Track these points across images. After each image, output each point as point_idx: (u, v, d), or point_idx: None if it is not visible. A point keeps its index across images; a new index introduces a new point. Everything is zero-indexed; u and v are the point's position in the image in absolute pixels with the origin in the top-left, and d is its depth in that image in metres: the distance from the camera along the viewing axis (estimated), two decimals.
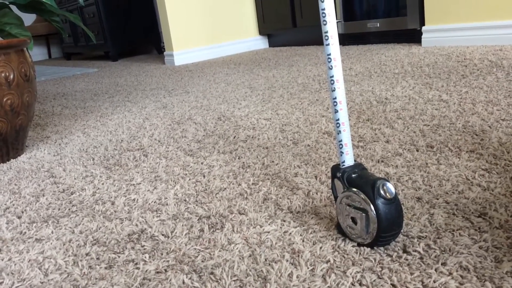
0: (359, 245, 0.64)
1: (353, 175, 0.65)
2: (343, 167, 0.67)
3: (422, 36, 2.43)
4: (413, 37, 2.61)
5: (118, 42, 4.40)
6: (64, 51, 5.68)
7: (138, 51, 4.98)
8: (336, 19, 2.91)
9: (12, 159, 1.35)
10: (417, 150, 0.97)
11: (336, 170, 0.67)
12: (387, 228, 0.61)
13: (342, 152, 0.67)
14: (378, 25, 2.72)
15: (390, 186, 0.61)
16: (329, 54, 0.64)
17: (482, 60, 1.82)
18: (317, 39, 3.31)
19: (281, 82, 2.01)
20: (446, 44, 2.32)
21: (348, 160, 0.67)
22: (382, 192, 0.60)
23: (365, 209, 0.61)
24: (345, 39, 2.98)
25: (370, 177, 0.63)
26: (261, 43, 3.71)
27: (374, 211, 0.60)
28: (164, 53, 3.45)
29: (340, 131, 0.66)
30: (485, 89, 1.38)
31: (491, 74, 1.55)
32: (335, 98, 0.65)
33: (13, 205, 0.99)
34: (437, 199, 0.75)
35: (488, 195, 0.74)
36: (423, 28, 2.41)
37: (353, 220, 0.64)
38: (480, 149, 0.93)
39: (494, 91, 1.34)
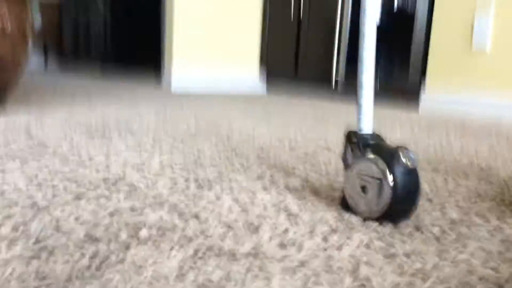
0: (365, 220, 0.57)
1: (370, 142, 0.59)
2: (361, 133, 0.60)
3: (421, 103, 2.45)
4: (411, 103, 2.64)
5: (117, 60, 4.39)
6: (61, 63, 5.64)
7: (137, 74, 4.97)
8: (337, 77, 2.95)
9: None
10: (423, 169, 0.92)
11: (352, 135, 0.61)
12: (402, 200, 0.54)
13: (361, 118, 0.61)
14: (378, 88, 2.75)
15: (412, 155, 0.55)
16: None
17: (482, 126, 1.82)
18: (317, 91, 3.33)
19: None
20: (444, 114, 2.34)
21: (367, 127, 0.61)
22: (403, 159, 0.54)
23: (380, 176, 0.55)
24: (344, 95, 3.00)
25: (390, 146, 0.57)
26: (259, 88, 3.72)
27: (391, 179, 0.54)
28: (162, 79, 3.43)
29: (362, 94, 0.60)
30: (486, 143, 1.35)
31: (491, 136, 1.54)
32: (362, 53, 0.60)
33: None
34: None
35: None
36: (423, 96, 2.44)
37: (364, 189, 0.57)
38: (487, 177, 0.88)
39: (496, 146, 1.32)
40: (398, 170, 0.54)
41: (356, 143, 0.60)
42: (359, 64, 0.60)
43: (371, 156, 0.57)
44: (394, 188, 0.54)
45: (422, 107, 2.44)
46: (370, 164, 0.56)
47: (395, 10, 2.68)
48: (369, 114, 0.61)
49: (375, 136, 0.60)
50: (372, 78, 0.60)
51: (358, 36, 0.61)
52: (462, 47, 2.30)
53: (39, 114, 1.40)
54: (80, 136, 1.05)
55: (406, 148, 0.55)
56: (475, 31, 2.29)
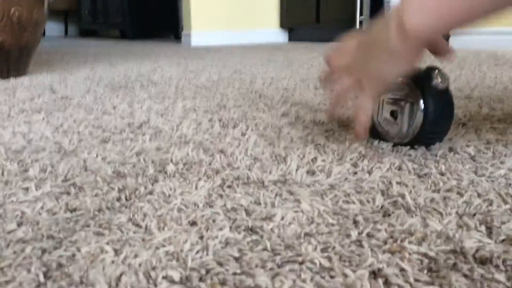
0: (396, 145, 0.55)
1: None
2: None
3: (450, 38, 2.35)
4: None
5: (136, 21, 4.35)
6: (81, 28, 5.64)
7: (155, 35, 4.92)
8: (362, 15, 2.85)
9: (11, 78, 1.27)
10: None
11: None
12: (435, 122, 0.52)
13: None
14: None
15: (445, 74, 0.52)
16: None
17: None
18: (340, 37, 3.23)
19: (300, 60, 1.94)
20: (475, 47, 2.24)
21: None
22: (435, 79, 0.51)
23: (411, 99, 0.52)
24: None
25: (420, 67, 0.54)
26: (280, 36, 3.64)
27: (423, 100, 0.51)
28: (182, 32, 3.39)
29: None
30: None
31: None
32: None
33: (4, 100, 0.90)
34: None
35: None
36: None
37: (393, 114, 0.55)
38: None
39: None
40: (430, 90, 0.51)
41: None
42: None
43: (400, 78, 0.54)
44: (426, 109, 0.51)
45: (451, 42, 2.35)
46: (400, 87, 0.54)
47: None
48: None
49: None
50: None
51: None
52: None
53: (62, 73, 1.41)
54: (103, 89, 1.05)
55: (437, 68, 0.52)
56: None
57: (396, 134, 0.55)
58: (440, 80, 0.52)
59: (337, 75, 0.55)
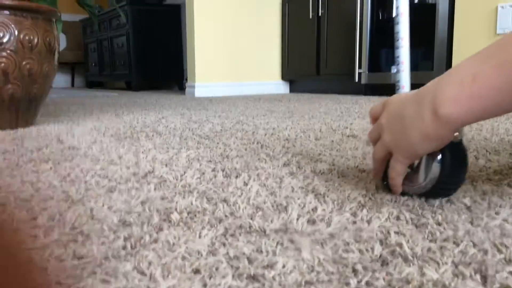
0: (403, 194, 0.56)
1: None
2: None
3: None
4: None
5: (142, 73, 4.46)
6: (88, 79, 5.77)
7: (160, 86, 5.04)
8: (360, 69, 2.93)
9: (20, 128, 1.30)
10: None
11: None
12: (451, 174, 0.52)
13: (399, 91, 0.60)
14: None
15: (460, 127, 0.54)
16: None
17: None
18: (339, 88, 3.31)
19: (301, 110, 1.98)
20: None
21: None
22: None
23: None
24: (367, 90, 2.98)
25: None
26: (282, 88, 3.73)
27: (441, 153, 0.52)
28: (186, 84, 3.47)
29: (399, 70, 0.60)
30: None
31: None
32: (398, 32, 0.59)
33: (13, 150, 0.93)
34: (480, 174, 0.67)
35: None
36: None
37: (410, 166, 0.56)
38: None
39: None
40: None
41: None
42: (395, 40, 0.60)
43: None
44: (443, 162, 0.52)
45: None
46: None
47: (416, 1, 2.65)
48: (406, 90, 0.60)
49: None
50: (408, 55, 0.60)
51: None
52: (487, 31, 2.25)
53: (69, 123, 1.44)
54: (109, 139, 1.07)
55: None
56: (499, 14, 2.24)
57: (412, 186, 0.55)
58: (456, 133, 0.53)
59: (373, 144, 0.59)
